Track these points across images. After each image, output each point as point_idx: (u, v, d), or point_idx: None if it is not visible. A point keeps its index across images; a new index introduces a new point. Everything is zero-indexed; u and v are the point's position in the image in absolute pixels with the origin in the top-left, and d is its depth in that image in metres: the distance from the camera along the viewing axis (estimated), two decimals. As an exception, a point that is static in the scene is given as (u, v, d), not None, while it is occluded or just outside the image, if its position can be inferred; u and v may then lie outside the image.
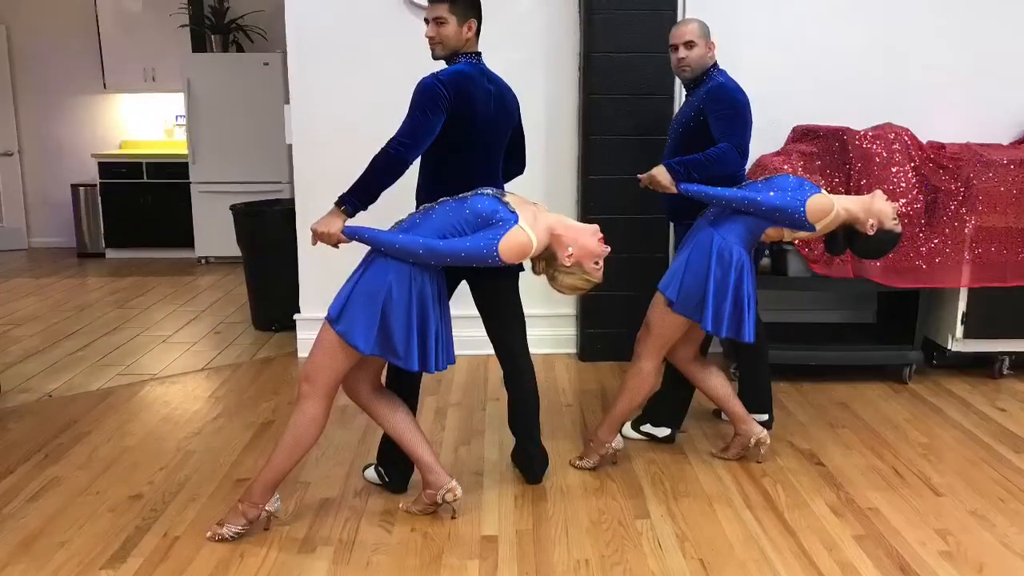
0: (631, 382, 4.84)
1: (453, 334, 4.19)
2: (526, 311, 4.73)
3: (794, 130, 6.52)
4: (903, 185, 5.91)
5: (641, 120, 6.42)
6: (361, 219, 4.09)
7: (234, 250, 8.36)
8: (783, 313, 6.93)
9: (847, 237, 4.60)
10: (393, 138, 4.19)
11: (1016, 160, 6.00)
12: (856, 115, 6.38)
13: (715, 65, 4.95)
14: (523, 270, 4.52)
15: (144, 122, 11.71)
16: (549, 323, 6.92)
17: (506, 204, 3.96)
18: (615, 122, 6.42)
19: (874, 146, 5.93)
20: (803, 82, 6.64)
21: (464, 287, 4.61)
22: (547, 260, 4.07)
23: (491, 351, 4.78)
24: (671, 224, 5.96)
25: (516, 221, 3.88)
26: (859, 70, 6.67)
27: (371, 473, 4.78)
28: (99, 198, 11.22)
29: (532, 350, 4.77)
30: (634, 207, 6.39)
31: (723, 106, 4.75)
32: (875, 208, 4.44)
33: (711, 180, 4.64)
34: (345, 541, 4.17)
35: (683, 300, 4.55)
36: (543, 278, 4.15)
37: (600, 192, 6.51)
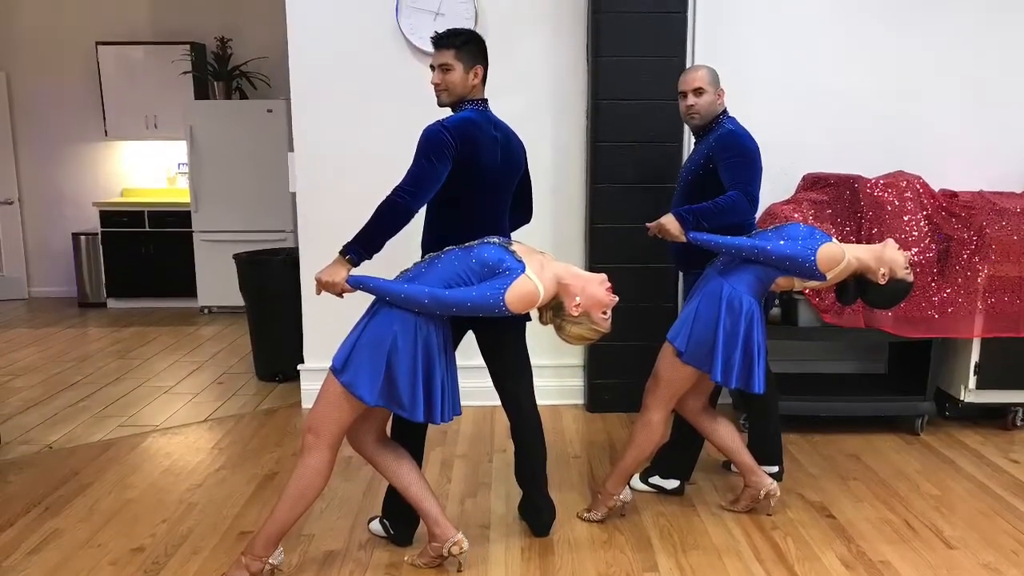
0: (640, 434, 4.79)
1: (459, 384, 4.16)
2: (533, 361, 4.70)
3: (804, 178, 6.53)
4: (915, 234, 5.87)
5: (649, 168, 6.39)
6: (366, 268, 4.05)
7: (237, 300, 8.34)
8: (793, 363, 6.89)
9: (858, 287, 4.56)
10: (398, 186, 4.17)
11: (1028, 209, 6.00)
12: (867, 163, 6.37)
13: (724, 112, 4.94)
14: (530, 320, 4.47)
15: (146, 170, 11.70)
16: (556, 373, 6.87)
17: (513, 253, 3.93)
18: (623, 170, 6.39)
19: (886, 194, 5.91)
20: (814, 130, 6.63)
21: (470, 337, 4.56)
22: (554, 310, 4.04)
23: (498, 402, 4.73)
24: (680, 273, 5.92)
25: (523, 270, 3.85)
26: (870, 118, 6.65)
27: (376, 526, 4.73)
28: (100, 247, 11.19)
29: (539, 401, 4.73)
30: (642, 256, 6.35)
31: (732, 154, 4.73)
32: (887, 257, 4.41)
33: (720, 229, 4.62)
34: (350, 596, 4.11)
35: (692, 350, 4.51)
36: (550, 328, 4.11)
37: (607, 240, 6.47)
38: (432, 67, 4.51)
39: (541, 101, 6.70)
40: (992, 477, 5.48)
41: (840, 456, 5.85)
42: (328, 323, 6.25)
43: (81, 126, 11.49)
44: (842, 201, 6.06)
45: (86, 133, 11.52)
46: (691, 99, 4.89)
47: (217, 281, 10.58)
